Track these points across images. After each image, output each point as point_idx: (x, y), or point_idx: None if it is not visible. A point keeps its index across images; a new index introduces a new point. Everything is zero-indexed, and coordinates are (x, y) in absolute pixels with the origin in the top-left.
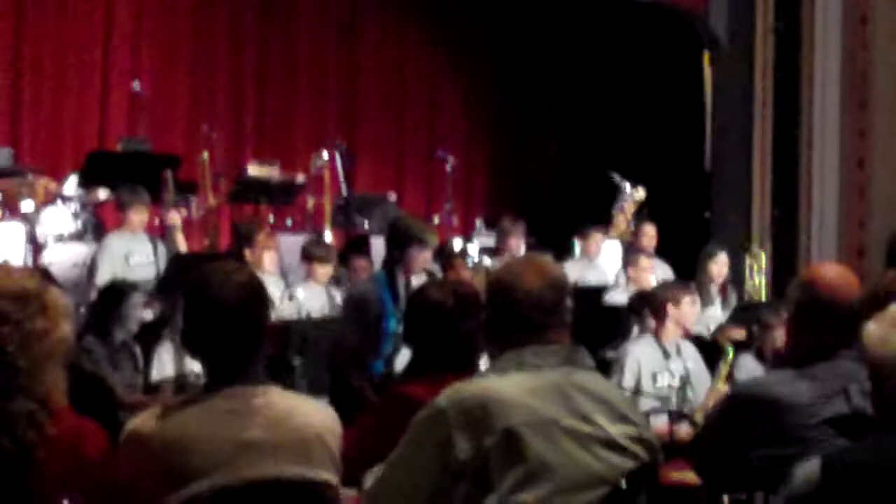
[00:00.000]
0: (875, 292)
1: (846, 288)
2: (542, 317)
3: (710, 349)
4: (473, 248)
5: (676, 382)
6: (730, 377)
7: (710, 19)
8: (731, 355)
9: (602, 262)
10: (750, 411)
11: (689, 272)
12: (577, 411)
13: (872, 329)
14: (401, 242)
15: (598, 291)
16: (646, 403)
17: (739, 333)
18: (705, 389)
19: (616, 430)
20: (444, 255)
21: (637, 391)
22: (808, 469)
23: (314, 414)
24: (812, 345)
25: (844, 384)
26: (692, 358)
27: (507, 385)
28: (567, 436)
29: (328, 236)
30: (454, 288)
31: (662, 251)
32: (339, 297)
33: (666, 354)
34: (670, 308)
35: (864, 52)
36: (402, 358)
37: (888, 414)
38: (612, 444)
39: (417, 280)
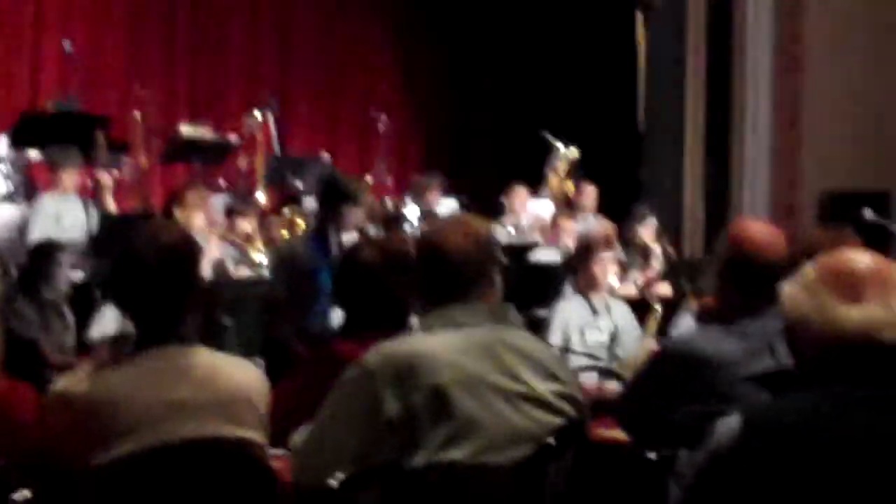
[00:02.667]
0: (801, 250)
1: (772, 245)
2: (469, 275)
3: (641, 307)
4: (414, 212)
5: (605, 339)
6: (661, 333)
7: None
8: (659, 312)
9: (526, 219)
10: (676, 368)
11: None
12: (505, 369)
13: (787, 290)
14: (333, 200)
15: (528, 249)
16: (575, 360)
17: (667, 289)
18: (635, 347)
19: (544, 388)
20: (386, 220)
21: (566, 348)
22: (728, 424)
23: (241, 374)
24: (739, 302)
25: (771, 341)
26: (622, 315)
27: (435, 343)
28: (495, 393)
29: (261, 196)
30: (384, 247)
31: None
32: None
33: (594, 311)
34: (594, 264)
35: (796, 14)
36: (338, 315)
37: (804, 372)
38: (540, 402)
39: (349, 237)
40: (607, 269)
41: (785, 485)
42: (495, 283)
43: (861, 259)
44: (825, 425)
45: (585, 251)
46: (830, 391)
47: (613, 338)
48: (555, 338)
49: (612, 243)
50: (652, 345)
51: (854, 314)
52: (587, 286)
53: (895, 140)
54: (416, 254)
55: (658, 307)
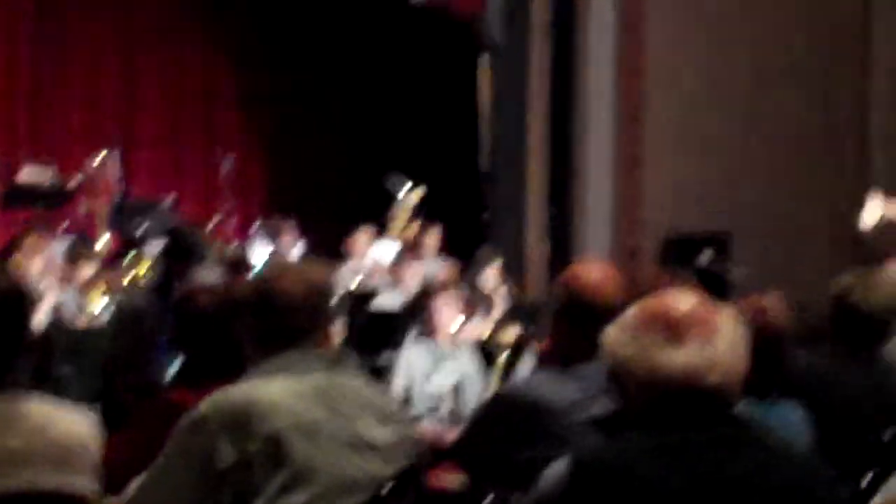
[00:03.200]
0: (637, 294)
1: (607, 288)
2: (305, 321)
3: (486, 352)
4: (261, 256)
5: (450, 385)
6: (506, 377)
7: (486, 22)
8: (504, 356)
9: (369, 263)
10: (513, 412)
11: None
12: (342, 415)
13: (610, 332)
14: (180, 256)
15: (371, 295)
16: (418, 407)
17: (513, 333)
18: (479, 392)
19: (381, 434)
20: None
21: (410, 394)
22: (556, 468)
23: (74, 422)
24: (575, 345)
25: (607, 384)
26: (466, 361)
27: (271, 390)
28: (331, 440)
29: (104, 239)
30: (220, 293)
31: (442, 252)
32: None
33: (439, 357)
34: (437, 309)
35: (637, 57)
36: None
37: (629, 414)
38: (376, 448)
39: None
40: (450, 313)
41: None
42: (332, 329)
43: (683, 302)
44: (649, 468)
45: (427, 295)
46: (655, 434)
47: (457, 384)
48: (399, 383)
49: (454, 286)
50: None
51: (676, 357)
52: (431, 331)
53: (736, 183)
54: (250, 300)
55: (502, 351)
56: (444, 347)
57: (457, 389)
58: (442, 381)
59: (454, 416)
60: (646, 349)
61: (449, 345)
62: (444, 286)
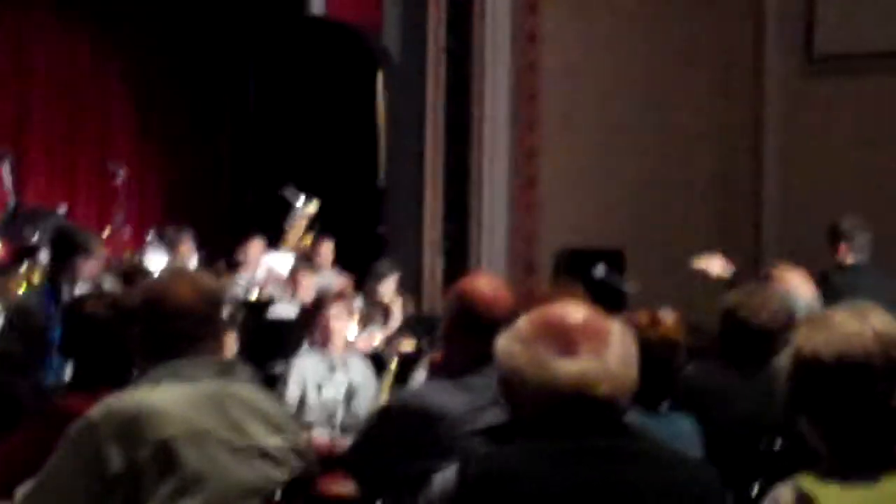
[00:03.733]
0: (529, 306)
1: (496, 299)
2: (195, 329)
3: (379, 363)
4: (159, 265)
5: (342, 395)
6: (398, 388)
7: (383, 37)
8: (394, 367)
9: (263, 273)
10: (404, 422)
11: (359, 284)
12: (232, 422)
13: (502, 342)
14: (64, 252)
15: (265, 304)
16: (311, 416)
17: (409, 345)
18: (371, 402)
19: (271, 442)
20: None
21: (302, 403)
22: (444, 476)
23: None
24: (466, 355)
25: (497, 395)
26: (359, 371)
27: (162, 397)
28: (221, 447)
29: None
30: (111, 300)
31: (336, 264)
32: None
33: (331, 367)
34: (330, 319)
35: (533, 72)
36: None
37: (520, 424)
38: (266, 455)
39: (82, 290)
40: (341, 324)
41: None
42: (223, 337)
43: (575, 313)
44: (539, 477)
45: (319, 306)
46: (545, 443)
47: (350, 393)
48: (292, 393)
49: (346, 298)
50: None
51: (568, 368)
52: (323, 341)
53: (630, 199)
54: (140, 308)
55: (394, 363)
56: (336, 357)
57: (349, 399)
58: (334, 391)
59: (346, 426)
60: (539, 358)
61: (342, 355)
62: (338, 297)
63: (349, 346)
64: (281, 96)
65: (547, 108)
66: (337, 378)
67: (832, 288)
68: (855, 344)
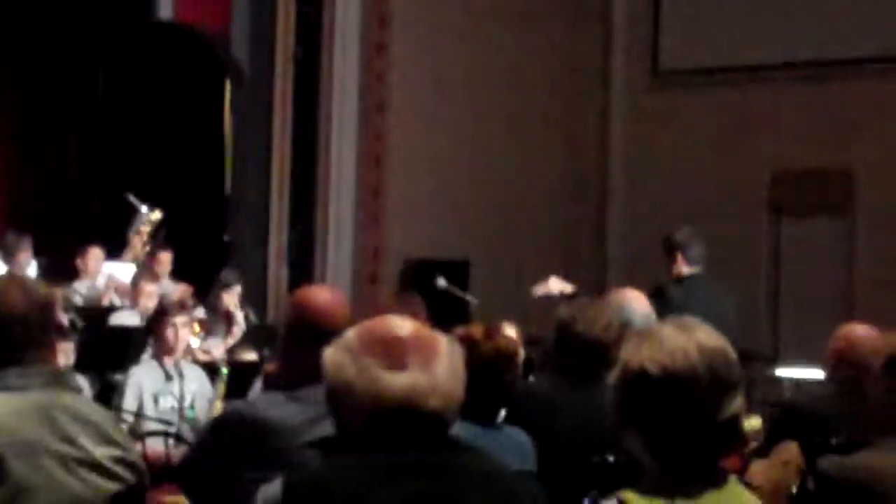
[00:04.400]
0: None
1: (331, 310)
2: (25, 337)
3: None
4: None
5: (178, 405)
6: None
7: (231, 44)
8: (225, 375)
9: (102, 281)
10: (237, 433)
11: (203, 293)
12: (62, 433)
13: (329, 354)
14: None
15: (105, 312)
16: (148, 426)
17: (251, 355)
18: (207, 412)
19: (100, 452)
20: None
21: (139, 414)
22: (269, 489)
23: None
24: (301, 367)
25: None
26: (196, 380)
27: None
28: (50, 458)
29: None
30: None
31: (181, 273)
32: None
33: (168, 377)
34: (168, 329)
35: (381, 83)
36: None
37: (347, 437)
38: (96, 466)
39: None
40: (180, 333)
41: None
42: (54, 346)
43: (402, 325)
44: (367, 491)
45: (159, 315)
46: (373, 457)
47: (185, 403)
48: (129, 402)
49: (186, 307)
50: (220, 408)
51: (397, 381)
52: (161, 351)
53: (477, 209)
54: None
55: (226, 372)
56: (172, 367)
57: (184, 409)
58: (171, 401)
59: (182, 437)
60: (367, 371)
61: (178, 365)
62: (178, 307)
63: (187, 355)
64: (129, 102)
65: (395, 120)
66: (173, 388)
67: (668, 301)
68: (679, 358)
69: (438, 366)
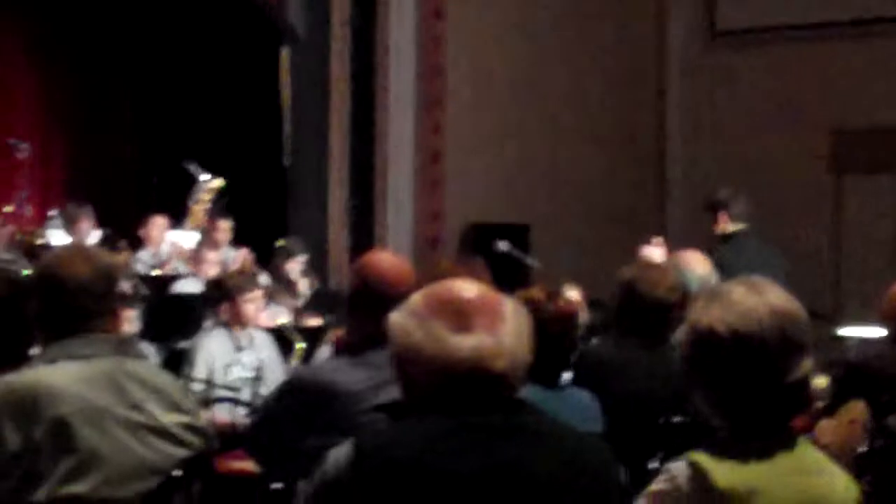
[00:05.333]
0: (429, 281)
1: (396, 275)
2: (91, 305)
3: (286, 341)
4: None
5: (249, 374)
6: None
7: (287, 12)
8: (300, 345)
9: (166, 250)
10: (303, 398)
11: (265, 260)
12: (129, 400)
13: (395, 318)
14: None
15: (169, 280)
16: (218, 395)
17: (315, 321)
18: (278, 380)
19: (168, 419)
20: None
21: (209, 383)
22: (339, 453)
23: None
24: (367, 332)
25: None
26: (266, 349)
27: (57, 375)
28: (118, 425)
29: None
30: (9, 276)
31: (242, 241)
32: None
33: (238, 346)
34: (238, 300)
35: (438, 48)
36: None
37: (414, 400)
38: (164, 433)
39: None
40: (250, 302)
41: None
42: (119, 314)
43: (468, 288)
44: (436, 453)
45: (233, 289)
46: (440, 419)
47: (257, 372)
48: (198, 373)
49: (254, 276)
50: None
51: (464, 343)
52: (230, 320)
53: (536, 174)
54: (37, 283)
55: (301, 341)
56: (243, 337)
57: (256, 378)
58: (242, 370)
59: (254, 405)
60: (433, 334)
61: (249, 334)
62: (248, 281)
63: (255, 324)
64: (186, 71)
65: (452, 84)
66: (244, 358)
67: (716, 260)
68: (750, 319)
69: (505, 328)
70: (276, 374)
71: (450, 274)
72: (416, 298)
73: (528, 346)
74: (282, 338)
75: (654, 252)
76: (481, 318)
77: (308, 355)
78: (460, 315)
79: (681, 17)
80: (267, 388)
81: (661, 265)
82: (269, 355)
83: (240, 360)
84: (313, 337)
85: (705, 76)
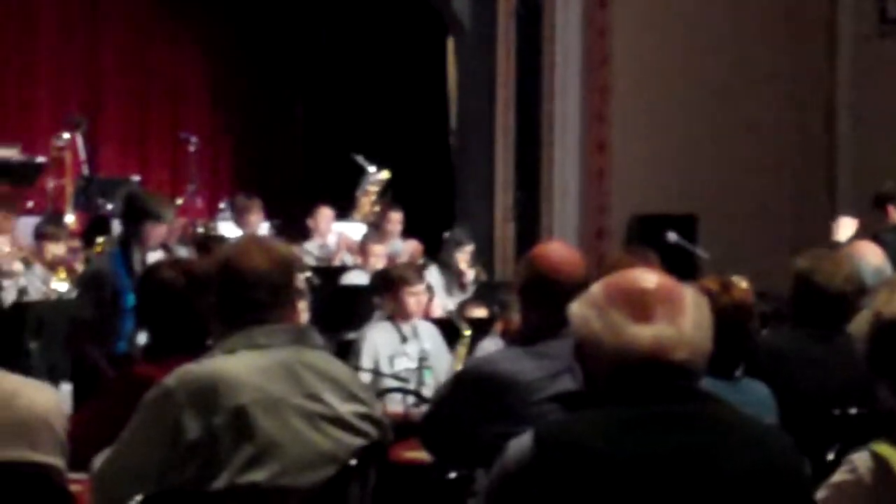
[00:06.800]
0: (601, 272)
1: (569, 266)
2: (269, 296)
3: (453, 331)
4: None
5: (414, 364)
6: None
7: (453, 3)
8: (467, 335)
9: (334, 241)
10: (477, 389)
11: (432, 251)
12: (307, 390)
13: (576, 308)
14: (136, 217)
15: (338, 271)
16: (384, 384)
17: (481, 312)
18: (445, 370)
19: (345, 409)
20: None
21: (378, 373)
22: (520, 443)
23: (39, 396)
24: (539, 322)
25: (572, 362)
26: (431, 339)
27: (237, 364)
28: (296, 414)
29: (69, 217)
30: (186, 267)
31: (408, 233)
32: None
33: (403, 337)
34: (403, 291)
35: (604, 38)
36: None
37: (594, 390)
38: (341, 422)
39: (154, 256)
40: (421, 300)
41: (574, 503)
42: (296, 304)
43: (648, 278)
44: (615, 443)
45: (398, 282)
46: (621, 409)
47: (422, 363)
48: (364, 364)
49: (422, 273)
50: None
51: (644, 333)
52: (399, 316)
53: (703, 164)
54: (216, 274)
55: (467, 331)
56: (407, 327)
57: (420, 368)
58: (408, 361)
59: (420, 396)
60: (612, 325)
61: (413, 325)
62: (413, 274)
63: (421, 315)
64: (353, 61)
65: (618, 73)
66: (409, 349)
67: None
68: None
69: (685, 318)
70: (442, 363)
71: (624, 265)
72: (596, 288)
73: (709, 337)
74: (450, 328)
75: (847, 224)
76: (662, 307)
77: (473, 346)
78: (640, 305)
79: (850, 5)
80: (434, 378)
81: (836, 255)
82: (435, 345)
83: (404, 351)
84: (479, 328)
85: (875, 65)
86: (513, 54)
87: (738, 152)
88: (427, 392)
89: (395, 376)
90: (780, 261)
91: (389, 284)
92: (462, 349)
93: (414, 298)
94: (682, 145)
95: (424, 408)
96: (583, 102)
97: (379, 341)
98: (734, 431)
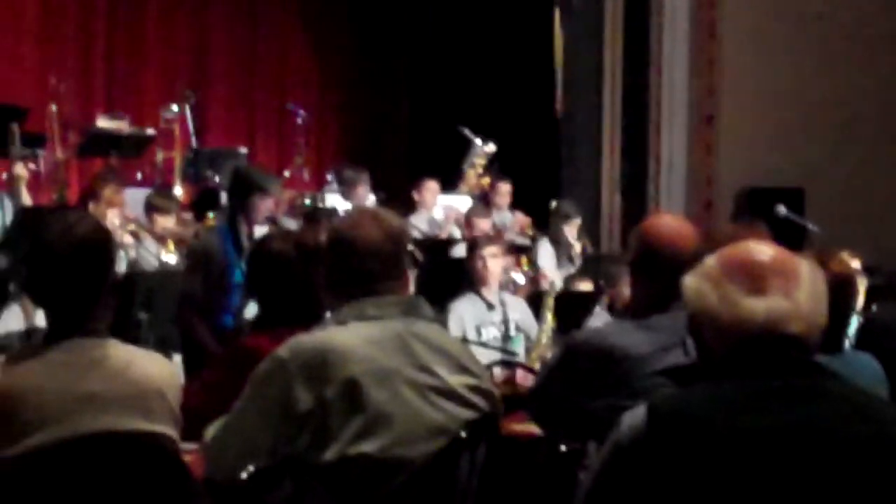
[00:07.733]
0: (712, 245)
1: (681, 239)
2: (381, 268)
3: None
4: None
5: (501, 334)
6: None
7: None
8: (551, 304)
9: (440, 214)
10: (587, 361)
11: (539, 223)
12: (417, 362)
13: (690, 281)
14: (242, 191)
15: (445, 244)
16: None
17: (587, 286)
18: (533, 338)
19: (456, 381)
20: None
21: (484, 345)
22: (633, 416)
23: (153, 367)
24: (650, 295)
25: (682, 335)
26: (518, 309)
27: (348, 336)
28: (407, 386)
29: (178, 190)
30: (296, 239)
31: (515, 205)
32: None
33: (489, 307)
34: (476, 255)
35: (712, 9)
36: (252, 309)
37: (708, 363)
38: (451, 395)
39: (261, 230)
40: (489, 265)
41: (689, 476)
42: (407, 276)
43: (763, 251)
44: (730, 416)
45: (472, 248)
46: (736, 382)
47: (509, 332)
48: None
49: (499, 239)
50: (547, 339)
51: (759, 306)
52: (479, 281)
53: (812, 137)
54: (328, 246)
55: (551, 300)
56: (493, 297)
57: (506, 336)
58: (494, 332)
59: (517, 363)
60: (728, 297)
61: (498, 295)
62: (486, 239)
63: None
64: (459, 34)
65: (726, 45)
66: (495, 318)
67: None
68: None
69: (800, 290)
70: (529, 331)
71: (735, 237)
72: (711, 261)
73: (825, 309)
74: (557, 302)
75: None
76: (776, 280)
77: (574, 319)
78: (755, 277)
79: None
80: (520, 346)
81: None
82: (522, 315)
83: (491, 321)
84: (585, 301)
85: None
86: (620, 25)
87: (845, 125)
88: (514, 363)
89: (483, 345)
90: (887, 236)
91: (468, 252)
92: (548, 318)
93: (489, 262)
94: (790, 117)
95: (531, 377)
96: (691, 74)
97: (465, 311)
98: (850, 404)
